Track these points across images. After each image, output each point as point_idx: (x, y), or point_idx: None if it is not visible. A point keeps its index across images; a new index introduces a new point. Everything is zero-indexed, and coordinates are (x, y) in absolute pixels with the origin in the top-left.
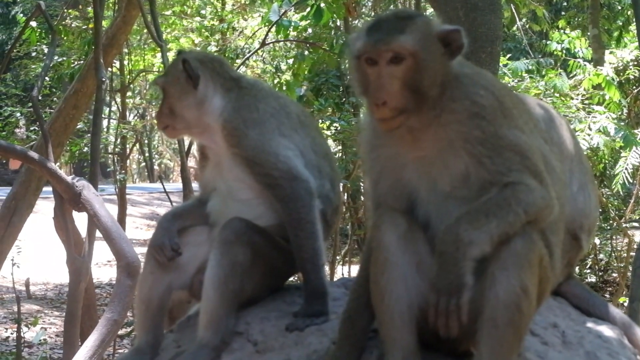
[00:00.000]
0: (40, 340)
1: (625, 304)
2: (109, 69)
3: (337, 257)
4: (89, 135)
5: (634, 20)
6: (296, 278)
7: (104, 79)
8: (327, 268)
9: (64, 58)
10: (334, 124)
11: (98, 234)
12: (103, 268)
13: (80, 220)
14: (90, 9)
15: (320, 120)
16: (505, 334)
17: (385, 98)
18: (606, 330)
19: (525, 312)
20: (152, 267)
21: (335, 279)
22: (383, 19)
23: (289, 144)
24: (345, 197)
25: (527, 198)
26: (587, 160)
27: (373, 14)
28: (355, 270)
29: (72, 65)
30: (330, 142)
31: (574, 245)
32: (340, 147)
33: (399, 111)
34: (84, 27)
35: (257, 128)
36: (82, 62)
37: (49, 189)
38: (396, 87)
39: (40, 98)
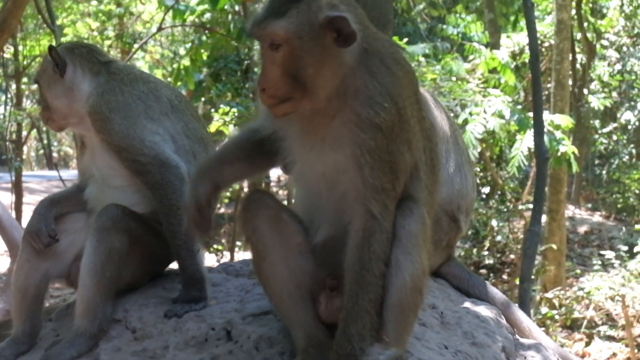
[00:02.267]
0: None
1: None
2: (1, 54)
3: (238, 244)
4: None
5: None
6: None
7: None
8: (227, 255)
9: None
10: (233, 109)
11: None
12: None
13: None
14: None
15: (219, 106)
16: (410, 317)
17: (264, 84)
18: (484, 310)
19: (424, 293)
20: (28, 254)
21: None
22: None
23: (157, 129)
24: (246, 183)
25: (381, 246)
26: (463, 141)
27: None
28: None
29: None
30: (230, 127)
31: (452, 226)
32: None
33: (280, 99)
34: None
35: (122, 112)
36: None
37: None
38: (275, 73)
39: None
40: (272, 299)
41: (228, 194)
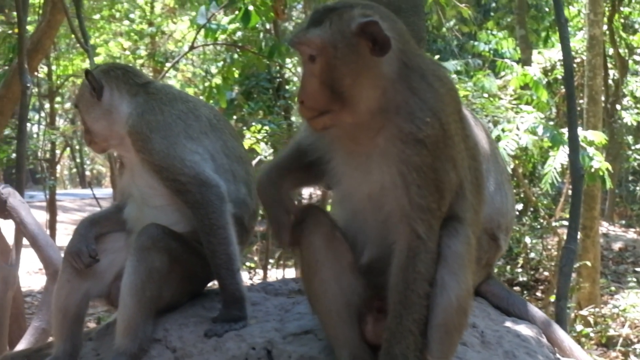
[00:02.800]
0: None
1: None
2: (35, 74)
3: (270, 261)
4: (16, 141)
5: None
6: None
7: (28, 85)
8: (260, 272)
9: None
10: (265, 127)
11: (26, 241)
12: (34, 276)
13: (7, 228)
14: (15, 13)
15: (251, 124)
16: (454, 337)
17: (302, 97)
18: (524, 329)
19: (469, 313)
20: (68, 274)
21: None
22: (315, 10)
23: (197, 148)
24: None
25: (426, 266)
26: (502, 160)
27: (304, 16)
28: (289, 273)
29: None
30: (262, 145)
31: (492, 245)
32: (272, 150)
33: (319, 112)
34: (9, 32)
35: (162, 131)
36: (7, 67)
37: None
38: (314, 85)
39: None
40: (319, 316)
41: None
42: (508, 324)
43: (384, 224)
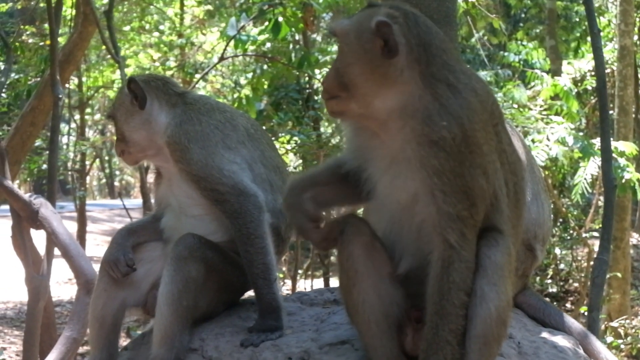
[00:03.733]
0: None
1: (586, 314)
2: (67, 85)
3: (299, 271)
4: (47, 152)
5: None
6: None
7: (60, 96)
8: (289, 282)
9: (21, 75)
10: (294, 138)
11: (57, 251)
12: (64, 286)
13: (39, 238)
14: (47, 25)
15: (280, 134)
16: (493, 348)
17: (324, 79)
18: (561, 340)
19: (508, 324)
20: (105, 283)
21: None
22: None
23: (235, 158)
24: None
25: (460, 275)
26: (539, 170)
27: None
28: (317, 284)
29: (29, 82)
30: (291, 156)
31: (528, 255)
32: (301, 161)
33: (329, 94)
34: (40, 44)
35: (200, 141)
36: (38, 78)
37: (7, 207)
38: (332, 70)
39: None
40: (357, 327)
41: None
42: (545, 335)
43: (418, 233)
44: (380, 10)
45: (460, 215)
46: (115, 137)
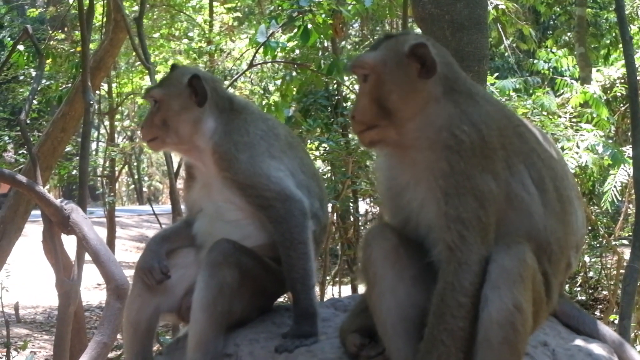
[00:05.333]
0: None
1: (616, 322)
2: (97, 91)
3: (327, 278)
4: (77, 158)
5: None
6: (286, 299)
7: (91, 102)
8: (317, 288)
9: (52, 81)
10: (323, 145)
11: (87, 256)
12: (93, 291)
13: (69, 243)
14: (77, 32)
15: (309, 141)
16: (501, 353)
17: (354, 112)
18: (596, 348)
19: (520, 330)
20: (139, 289)
21: (325, 300)
22: (376, 40)
23: (279, 166)
24: (335, 218)
25: (455, 276)
26: (572, 176)
27: (361, 34)
28: (345, 290)
29: (60, 89)
30: (319, 162)
31: None
32: (329, 168)
33: (367, 126)
34: (71, 50)
35: (248, 151)
36: (69, 85)
37: (38, 212)
38: (364, 102)
39: (28, 121)
40: (378, 328)
41: None
42: (579, 342)
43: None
44: (406, 37)
45: (461, 217)
46: (144, 121)
